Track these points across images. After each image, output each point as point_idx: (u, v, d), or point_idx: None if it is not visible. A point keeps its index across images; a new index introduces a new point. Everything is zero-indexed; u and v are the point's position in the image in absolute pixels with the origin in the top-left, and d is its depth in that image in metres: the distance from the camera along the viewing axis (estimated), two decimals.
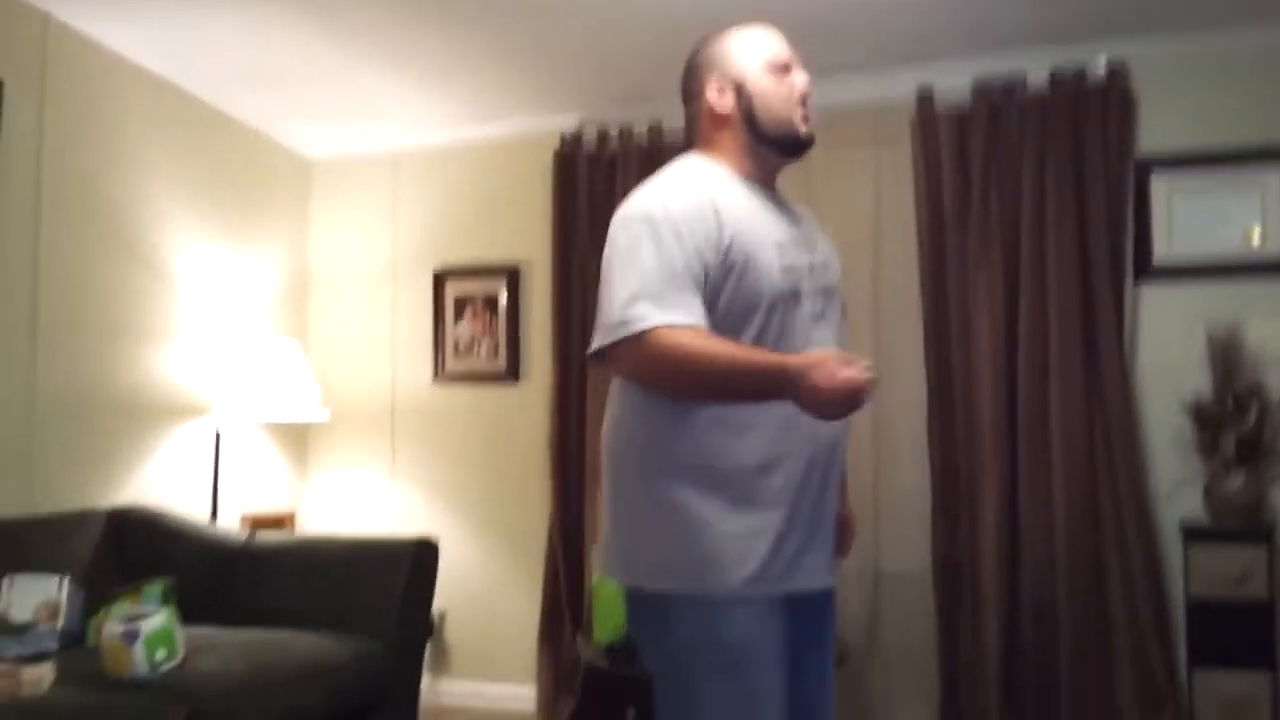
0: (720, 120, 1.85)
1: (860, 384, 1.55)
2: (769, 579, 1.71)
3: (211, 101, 4.07)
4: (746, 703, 1.68)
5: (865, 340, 3.64)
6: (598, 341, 1.70)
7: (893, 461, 3.62)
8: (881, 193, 3.70)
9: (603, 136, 4.07)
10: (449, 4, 3.30)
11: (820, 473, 1.77)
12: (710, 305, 1.69)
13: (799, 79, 1.86)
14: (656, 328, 1.63)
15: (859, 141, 3.71)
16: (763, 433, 1.70)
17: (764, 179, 1.87)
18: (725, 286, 1.71)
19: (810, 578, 1.78)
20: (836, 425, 1.75)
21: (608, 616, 3.19)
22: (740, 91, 1.83)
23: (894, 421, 3.62)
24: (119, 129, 3.70)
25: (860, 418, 3.57)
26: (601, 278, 1.73)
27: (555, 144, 4.13)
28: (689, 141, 1.91)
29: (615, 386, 1.83)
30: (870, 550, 3.60)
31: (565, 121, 4.15)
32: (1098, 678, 3.25)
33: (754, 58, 1.85)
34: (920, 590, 3.49)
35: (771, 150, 1.86)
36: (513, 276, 4.26)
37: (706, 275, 1.69)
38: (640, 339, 1.64)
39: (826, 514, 1.81)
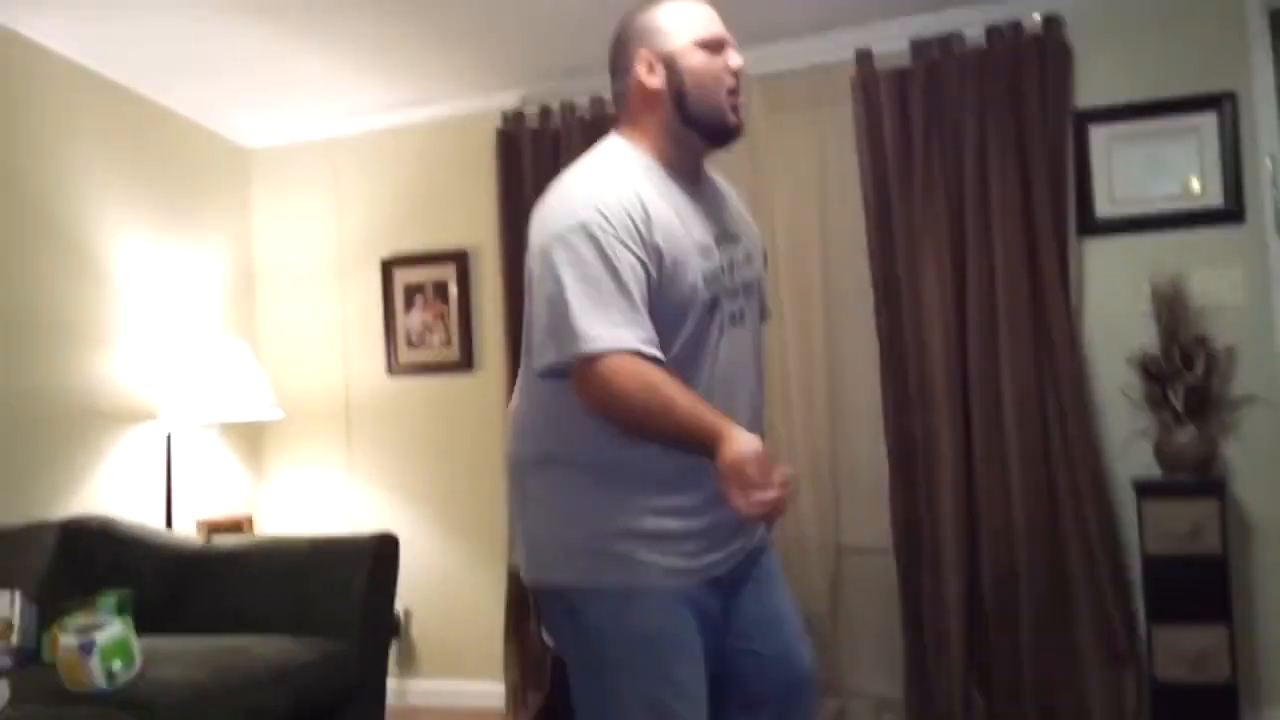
0: (649, 97, 1.87)
1: (780, 500, 1.61)
2: (674, 572, 1.80)
3: (143, 92, 4.20)
4: (661, 692, 1.77)
5: (816, 308, 3.84)
6: (553, 356, 1.73)
7: (849, 432, 3.82)
8: (825, 155, 3.88)
9: (544, 112, 4.22)
10: None
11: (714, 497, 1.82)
12: None
13: (732, 59, 1.88)
14: (614, 352, 1.68)
15: (801, 105, 3.90)
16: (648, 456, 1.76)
17: (688, 166, 1.90)
18: (653, 293, 1.75)
19: (716, 566, 1.86)
20: (751, 421, 1.85)
21: None
22: (671, 68, 1.85)
23: (848, 390, 3.82)
24: (47, 124, 3.82)
25: (816, 391, 3.76)
26: (538, 287, 1.76)
27: (497, 122, 4.27)
28: (618, 116, 1.95)
29: (522, 380, 1.91)
30: (830, 524, 3.82)
31: (506, 99, 4.31)
32: (1060, 639, 3.46)
33: (686, 33, 1.86)
34: (882, 561, 3.69)
35: (697, 134, 1.88)
36: (461, 261, 4.43)
37: (648, 280, 1.73)
38: (597, 362, 1.68)
39: (727, 533, 1.87)
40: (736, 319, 1.88)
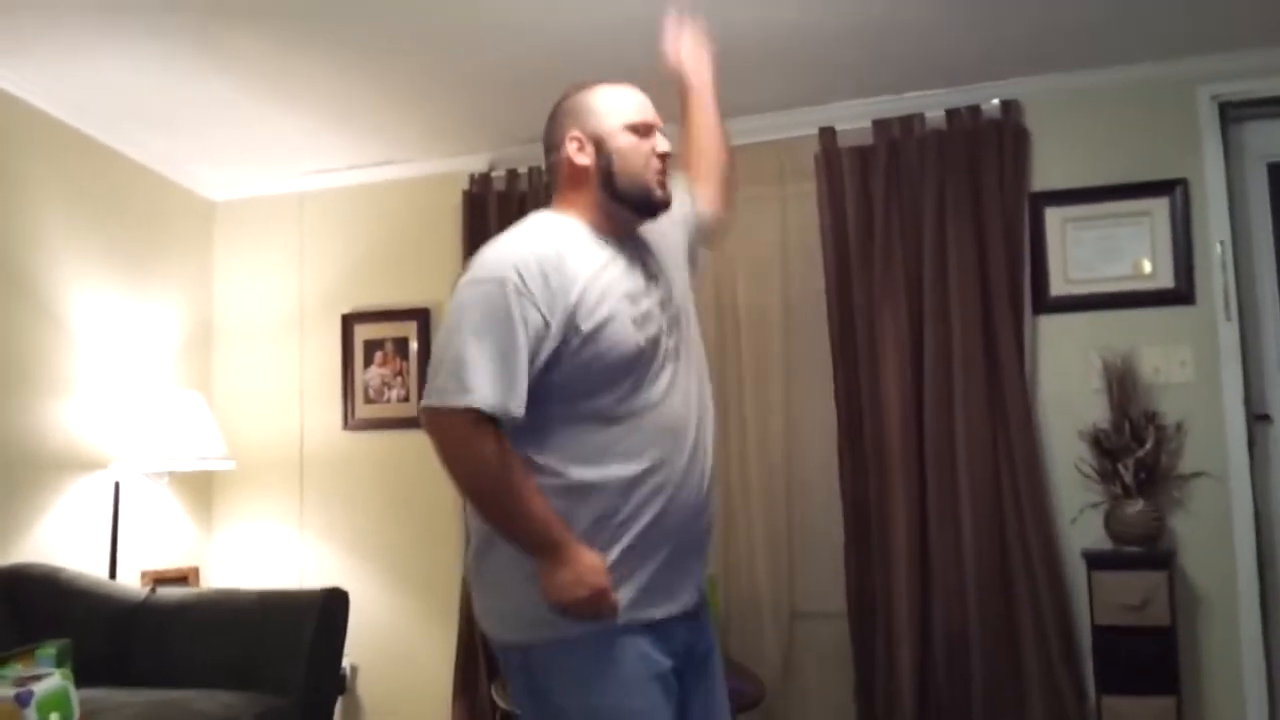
0: (578, 174, 1.94)
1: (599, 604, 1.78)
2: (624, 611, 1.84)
3: (109, 143, 4.15)
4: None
5: (776, 375, 3.86)
6: (437, 400, 1.78)
7: (806, 496, 3.82)
8: (788, 227, 3.93)
9: (512, 176, 4.24)
10: (350, 44, 3.43)
11: (677, 524, 1.89)
12: (552, 364, 1.80)
13: (660, 143, 1.96)
14: (474, 409, 1.74)
15: (765, 178, 3.94)
16: (606, 498, 1.83)
17: (616, 231, 1.96)
18: (576, 348, 1.81)
19: (664, 607, 1.90)
20: (698, 487, 1.91)
21: None
22: (600, 148, 1.93)
23: (806, 458, 3.83)
24: (10, 171, 3.75)
25: (773, 456, 3.77)
26: (443, 334, 1.82)
27: (464, 184, 4.29)
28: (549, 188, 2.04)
29: None
30: (785, 588, 3.79)
31: (474, 162, 4.33)
32: (1010, 707, 3.45)
33: (617, 117, 1.95)
34: (836, 627, 3.68)
35: (625, 209, 1.95)
36: (423, 319, 4.40)
37: (543, 340, 1.78)
38: (455, 414, 1.75)
39: (686, 557, 1.92)
40: (673, 356, 1.94)
